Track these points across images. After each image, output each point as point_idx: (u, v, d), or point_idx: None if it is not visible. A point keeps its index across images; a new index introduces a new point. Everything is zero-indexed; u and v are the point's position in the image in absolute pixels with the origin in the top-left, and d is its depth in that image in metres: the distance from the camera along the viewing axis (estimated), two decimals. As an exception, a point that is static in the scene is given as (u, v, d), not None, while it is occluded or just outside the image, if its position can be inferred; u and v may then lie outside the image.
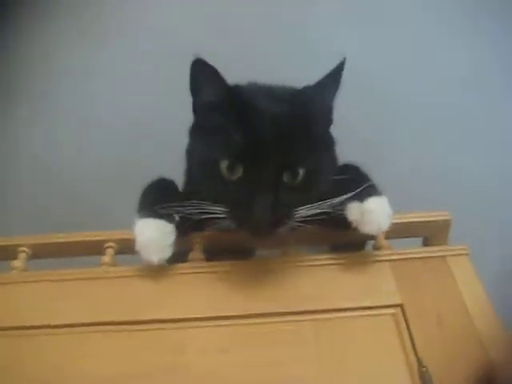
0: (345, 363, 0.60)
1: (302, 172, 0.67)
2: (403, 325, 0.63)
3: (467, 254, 0.72)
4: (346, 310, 0.65)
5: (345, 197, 0.67)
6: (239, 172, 0.67)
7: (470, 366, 0.59)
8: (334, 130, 0.77)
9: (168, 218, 0.69)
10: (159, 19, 1.10)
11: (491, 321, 0.64)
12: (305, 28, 1.10)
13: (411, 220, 0.77)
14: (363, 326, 0.64)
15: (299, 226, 0.68)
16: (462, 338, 0.62)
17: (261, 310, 0.66)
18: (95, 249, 0.76)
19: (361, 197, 0.67)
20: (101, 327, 0.65)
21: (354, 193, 0.67)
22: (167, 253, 0.68)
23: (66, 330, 0.65)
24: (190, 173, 0.77)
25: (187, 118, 0.75)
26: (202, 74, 0.69)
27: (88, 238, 0.77)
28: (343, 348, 0.61)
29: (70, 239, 0.77)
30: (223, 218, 0.67)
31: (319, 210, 0.68)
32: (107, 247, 0.76)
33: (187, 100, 0.73)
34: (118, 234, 0.76)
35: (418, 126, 1.14)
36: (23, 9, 1.03)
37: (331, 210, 0.68)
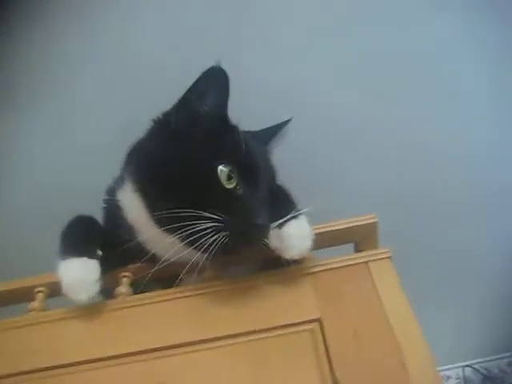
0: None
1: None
2: (321, 340, 0.63)
3: (389, 257, 0.71)
4: (263, 330, 0.65)
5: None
6: (236, 180, 0.68)
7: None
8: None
9: (90, 253, 0.70)
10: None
11: (411, 329, 0.63)
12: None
13: (337, 228, 0.76)
14: (279, 345, 0.64)
15: None
16: (379, 351, 0.62)
17: (175, 340, 0.66)
18: (25, 295, 0.76)
19: (278, 223, 0.68)
20: (29, 375, 0.66)
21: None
22: (95, 289, 0.68)
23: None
24: (164, 183, 0.68)
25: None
26: (218, 82, 0.69)
27: (17, 286, 0.77)
28: (259, 371, 0.62)
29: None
30: (212, 231, 0.64)
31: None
32: (37, 292, 0.76)
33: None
34: (48, 278, 0.76)
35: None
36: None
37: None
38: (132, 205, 0.72)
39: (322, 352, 0.62)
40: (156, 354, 0.65)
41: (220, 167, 0.66)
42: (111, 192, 0.79)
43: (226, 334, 0.66)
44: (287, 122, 0.84)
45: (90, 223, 0.77)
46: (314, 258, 0.73)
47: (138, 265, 0.76)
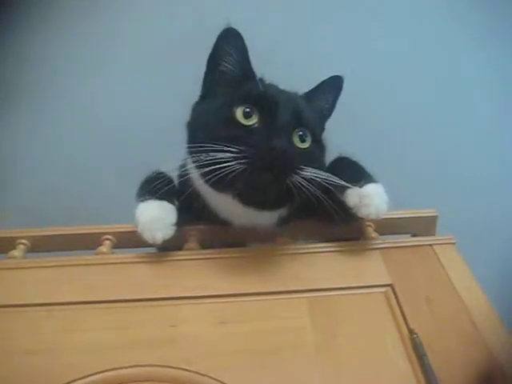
0: (339, 332, 0.62)
1: (309, 137, 0.72)
2: (394, 301, 0.65)
3: (454, 243, 0.75)
4: (338, 289, 0.67)
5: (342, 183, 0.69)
6: (254, 119, 0.69)
7: (460, 339, 0.61)
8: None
9: (169, 199, 0.72)
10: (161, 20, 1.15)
11: (481, 301, 0.66)
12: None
13: (400, 216, 0.80)
14: (355, 302, 0.66)
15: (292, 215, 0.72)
16: (452, 314, 0.65)
17: (254, 289, 0.67)
18: (93, 242, 0.77)
19: (359, 183, 0.71)
20: (97, 305, 0.66)
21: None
22: (170, 231, 0.70)
23: (64, 307, 0.65)
24: (198, 137, 0.71)
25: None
26: (232, 41, 0.74)
27: (86, 231, 0.79)
28: (337, 320, 0.63)
29: (69, 232, 0.79)
30: (231, 161, 0.64)
31: (321, 178, 0.68)
32: (105, 239, 0.77)
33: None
34: (116, 228, 0.78)
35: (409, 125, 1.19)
36: (24, 8, 1.07)
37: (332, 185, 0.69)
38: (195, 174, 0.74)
39: (396, 310, 0.64)
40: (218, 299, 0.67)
41: (237, 107, 0.69)
42: (182, 166, 0.79)
43: (300, 288, 0.67)
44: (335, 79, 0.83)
45: (168, 178, 0.79)
46: (378, 237, 0.77)
47: (208, 226, 0.78)
